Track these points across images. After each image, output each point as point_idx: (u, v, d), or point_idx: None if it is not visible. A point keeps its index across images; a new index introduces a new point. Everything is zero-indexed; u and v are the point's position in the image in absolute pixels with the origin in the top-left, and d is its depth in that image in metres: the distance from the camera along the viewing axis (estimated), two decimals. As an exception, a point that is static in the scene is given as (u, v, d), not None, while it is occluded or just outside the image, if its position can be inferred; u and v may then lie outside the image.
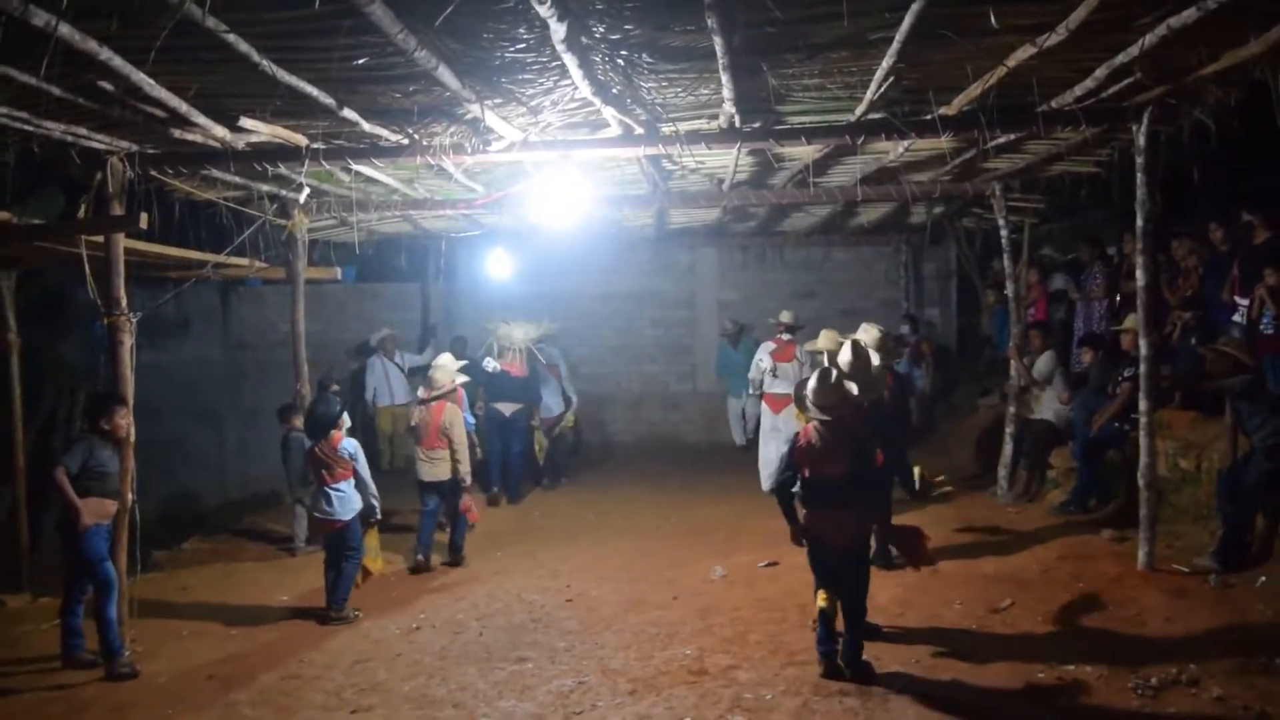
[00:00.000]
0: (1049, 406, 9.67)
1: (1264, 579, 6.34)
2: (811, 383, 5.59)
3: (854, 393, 5.66)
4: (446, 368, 8.75)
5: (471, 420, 9.89)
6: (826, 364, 6.03)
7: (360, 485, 7.32)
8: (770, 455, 10.22)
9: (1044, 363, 9.69)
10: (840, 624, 5.53)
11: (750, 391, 11.39)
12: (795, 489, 5.71)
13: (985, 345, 13.44)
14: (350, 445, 7.32)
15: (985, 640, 5.88)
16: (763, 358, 10.68)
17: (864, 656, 5.45)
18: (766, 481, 10.27)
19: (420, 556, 8.35)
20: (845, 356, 5.99)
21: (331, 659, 6.18)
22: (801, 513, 5.63)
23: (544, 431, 11.77)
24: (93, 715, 5.45)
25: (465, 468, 8.43)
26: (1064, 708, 4.90)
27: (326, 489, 7.20)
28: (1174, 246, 9.21)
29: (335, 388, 10.15)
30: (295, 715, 5.33)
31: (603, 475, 12.68)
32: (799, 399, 5.81)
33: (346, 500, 7.23)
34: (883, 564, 7.01)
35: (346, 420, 7.47)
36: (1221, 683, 4.98)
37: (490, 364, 10.97)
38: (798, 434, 5.70)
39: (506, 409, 11.00)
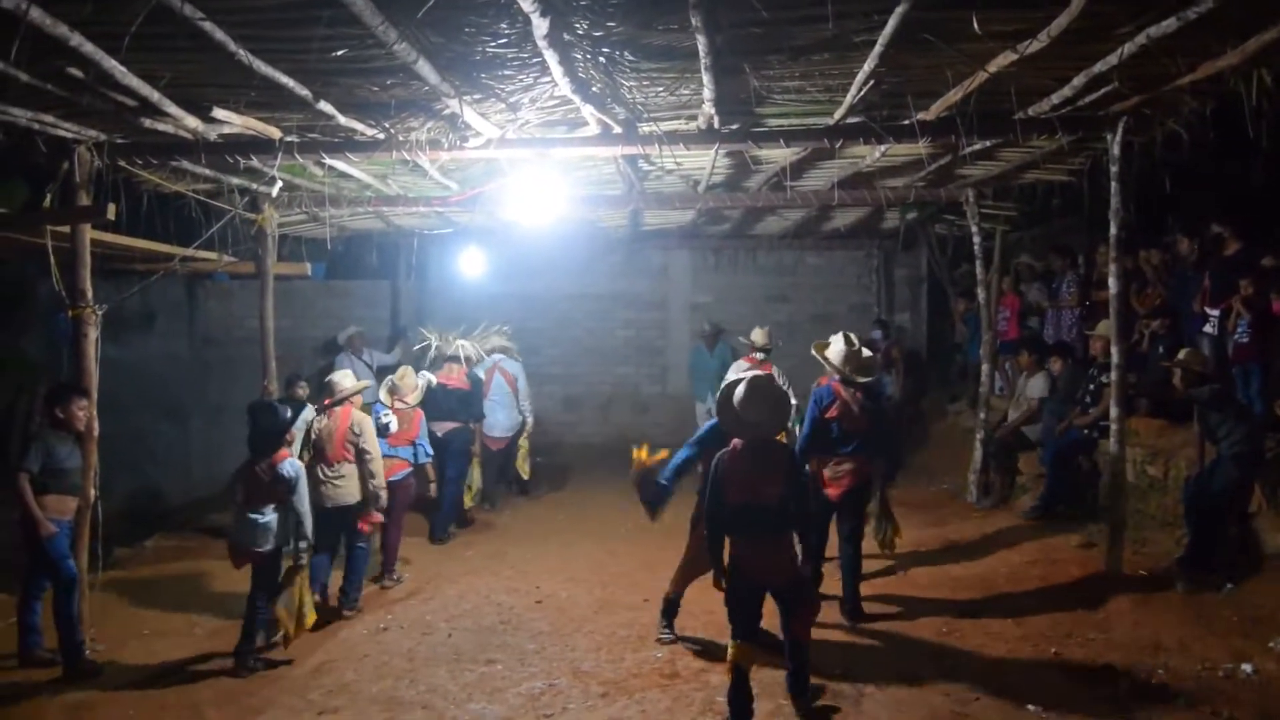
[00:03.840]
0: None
1: (1230, 586, 6.39)
2: (740, 392, 5.04)
3: (791, 406, 5.31)
4: (349, 373, 7.99)
5: (430, 452, 8.47)
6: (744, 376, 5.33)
7: (293, 514, 6.14)
8: None
9: (1037, 385, 9.68)
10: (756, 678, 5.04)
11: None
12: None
13: (955, 351, 13.51)
14: (292, 467, 6.17)
15: (954, 644, 5.88)
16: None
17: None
18: None
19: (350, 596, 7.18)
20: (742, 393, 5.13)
21: (297, 659, 6.09)
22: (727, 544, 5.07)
23: (496, 452, 10.71)
24: (52, 714, 5.35)
25: (380, 482, 7.12)
26: (1034, 714, 4.90)
27: (250, 514, 6.10)
28: (1141, 256, 9.30)
29: (303, 386, 10.03)
30: (260, 716, 5.25)
31: (572, 477, 12.61)
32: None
33: (264, 528, 6.10)
34: None
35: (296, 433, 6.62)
36: (1189, 689, 5.02)
37: (425, 376, 9.34)
38: (723, 453, 5.08)
39: (440, 429, 9.37)
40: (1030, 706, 4.95)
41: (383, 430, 7.83)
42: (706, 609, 6.82)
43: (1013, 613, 6.37)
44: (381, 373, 12.80)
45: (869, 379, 6.49)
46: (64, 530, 6.15)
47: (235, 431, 10.12)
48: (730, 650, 4.91)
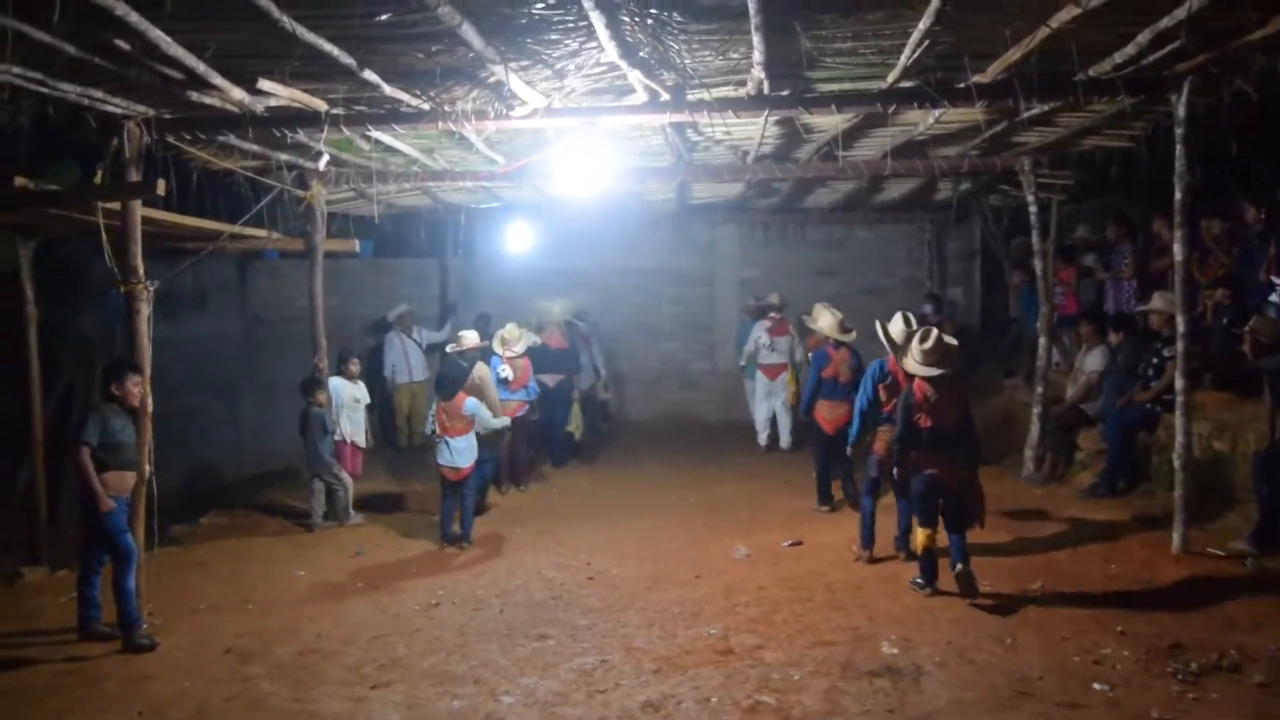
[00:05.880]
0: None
1: (1302, 562, 6.19)
2: (918, 343, 6.30)
3: (956, 348, 6.37)
4: (474, 334, 9.20)
5: (536, 389, 10.41)
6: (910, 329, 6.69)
7: (484, 423, 8.33)
8: (763, 416, 12.29)
9: (1095, 359, 9.39)
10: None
11: (742, 364, 12.46)
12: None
13: (1010, 325, 13.22)
14: (472, 405, 8.21)
15: (1016, 623, 5.74)
16: (760, 334, 12.08)
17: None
18: (762, 436, 12.32)
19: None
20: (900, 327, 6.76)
21: (349, 634, 6.09)
22: (913, 456, 6.30)
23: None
24: (110, 686, 5.38)
25: (497, 419, 8.87)
26: (1101, 693, 4.75)
27: (449, 440, 8.10)
28: (1202, 225, 8.99)
29: (355, 362, 10.06)
30: (313, 690, 5.24)
31: (621, 454, 12.57)
32: (898, 356, 6.59)
33: (464, 451, 8.13)
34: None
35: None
36: (1264, 668, 4.84)
37: (531, 338, 10.98)
38: (911, 389, 6.30)
39: (550, 380, 11.19)
40: (1096, 685, 4.79)
41: (504, 383, 9.74)
42: (758, 585, 6.76)
43: (1076, 591, 6.19)
44: (431, 350, 12.89)
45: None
46: (121, 505, 6.19)
47: (286, 409, 10.24)
48: (920, 536, 6.38)
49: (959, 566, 6.15)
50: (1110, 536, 7.28)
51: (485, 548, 8.21)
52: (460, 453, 8.15)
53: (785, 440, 12.10)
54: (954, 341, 6.44)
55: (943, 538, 6.34)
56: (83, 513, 6.19)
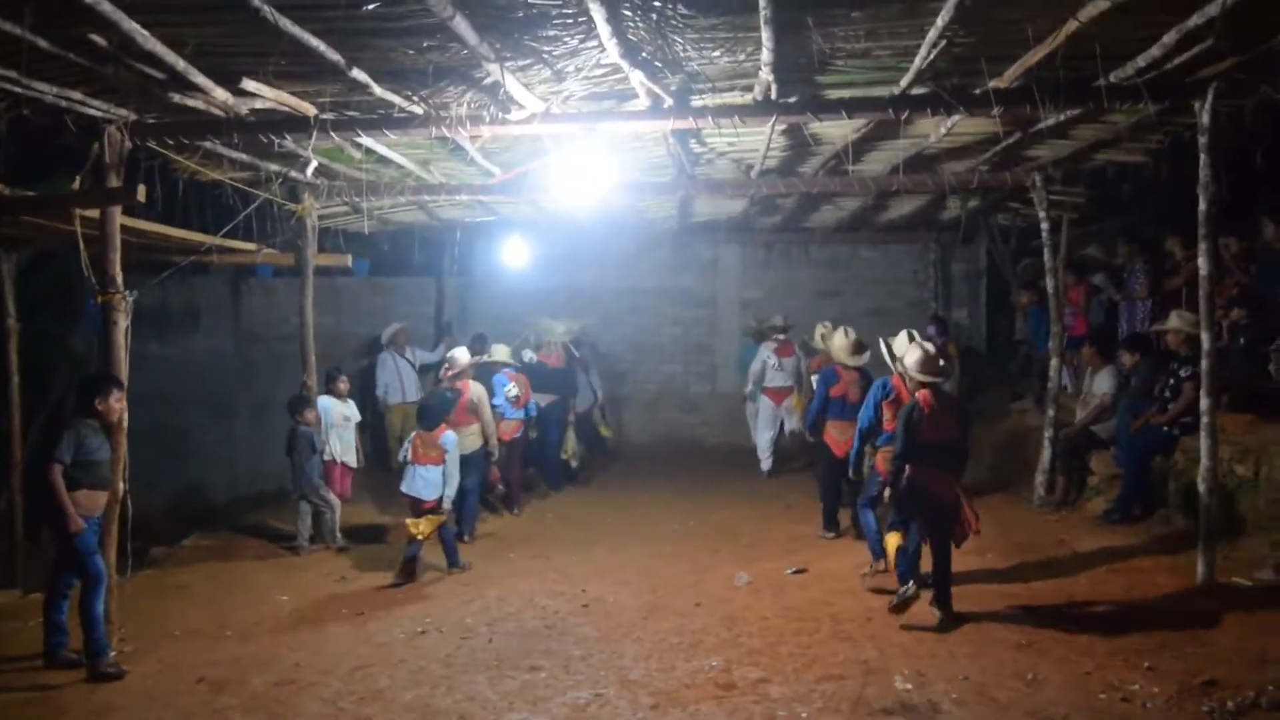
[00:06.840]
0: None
1: (1336, 593, 5.88)
2: (914, 358, 6.34)
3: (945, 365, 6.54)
4: (465, 351, 9.18)
5: (535, 409, 10.45)
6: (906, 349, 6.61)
7: (446, 476, 7.82)
8: (765, 441, 11.70)
9: (1104, 382, 9.11)
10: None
11: (749, 387, 11.87)
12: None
13: (1018, 347, 12.93)
14: (450, 440, 7.88)
15: (1037, 657, 5.41)
16: (767, 356, 11.52)
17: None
18: (765, 462, 11.71)
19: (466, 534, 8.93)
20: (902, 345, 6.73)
21: (330, 663, 5.76)
22: (908, 470, 6.16)
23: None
24: (71, 718, 5.06)
25: (494, 440, 9.06)
26: (1131, 732, 4.45)
27: (418, 467, 7.75)
28: (1220, 244, 8.71)
29: (344, 380, 9.78)
30: (289, 725, 4.92)
31: (619, 477, 12.27)
32: (898, 368, 6.58)
33: (431, 484, 7.72)
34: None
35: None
36: (1305, 706, 4.52)
37: (528, 355, 11.18)
38: (915, 402, 6.22)
39: (542, 400, 10.90)
40: (1126, 725, 4.49)
41: (514, 401, 10.04)
42: (761, 614, 6.45)
43: (1098, 624, 5.87)
44: (424, 370, 12.60)
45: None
46: (92, 526, 5.91)
47: (279, 429, 9.99)
48: (893, 539, 6.36)
49: (938, 595, 6.09)
50: (1130, 565, 6.97)
51: (475, 574, 7.89)
52: (428, 483, 7.76)
53: (790, 425, 11.54)
54: (942, 360, 6.60)
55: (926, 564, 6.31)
56: (52, 533, 5.90)
